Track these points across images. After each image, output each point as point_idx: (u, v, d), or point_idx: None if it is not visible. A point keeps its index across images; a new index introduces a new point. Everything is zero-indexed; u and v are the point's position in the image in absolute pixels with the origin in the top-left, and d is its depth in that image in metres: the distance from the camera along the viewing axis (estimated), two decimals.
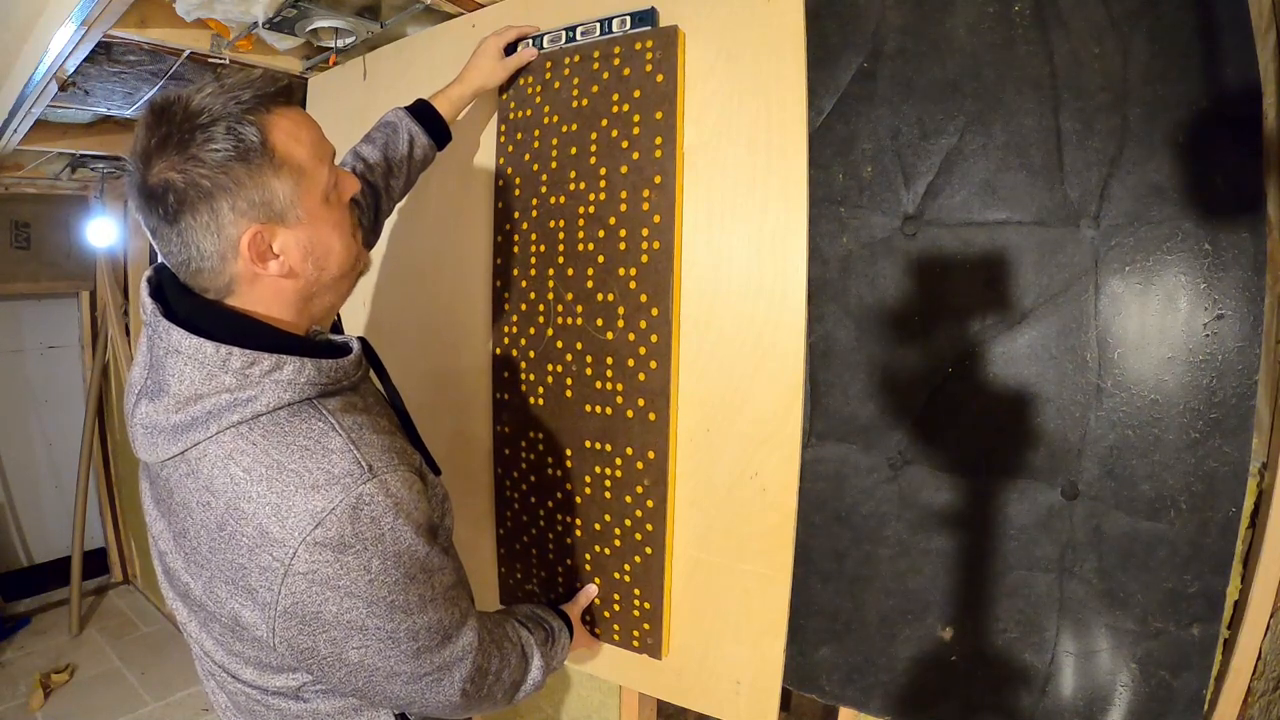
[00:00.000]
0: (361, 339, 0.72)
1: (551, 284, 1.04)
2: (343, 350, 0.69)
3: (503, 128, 1.09)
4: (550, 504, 1.07)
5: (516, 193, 1.08)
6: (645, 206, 0.94)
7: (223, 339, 0.60)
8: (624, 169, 0.96)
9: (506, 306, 1.10)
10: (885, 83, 0.87)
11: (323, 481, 0.58)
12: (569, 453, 1.04)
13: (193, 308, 0.63)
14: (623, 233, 0.96)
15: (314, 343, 0.68)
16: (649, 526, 0.97)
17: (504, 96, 1.09)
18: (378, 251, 1.35)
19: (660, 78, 0.92)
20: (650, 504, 0.96)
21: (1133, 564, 0.77)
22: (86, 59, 1.22)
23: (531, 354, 1.07)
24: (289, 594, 0.58)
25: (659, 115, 0.92)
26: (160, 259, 0.65)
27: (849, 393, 0.91)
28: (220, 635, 0.65)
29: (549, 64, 1.03)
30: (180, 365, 0.60)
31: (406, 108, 1.02)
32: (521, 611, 0.91)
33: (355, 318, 1.38)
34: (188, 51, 1.28)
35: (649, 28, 0.94)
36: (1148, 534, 0.76)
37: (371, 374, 0.75)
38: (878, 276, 0.88)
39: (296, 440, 0.60)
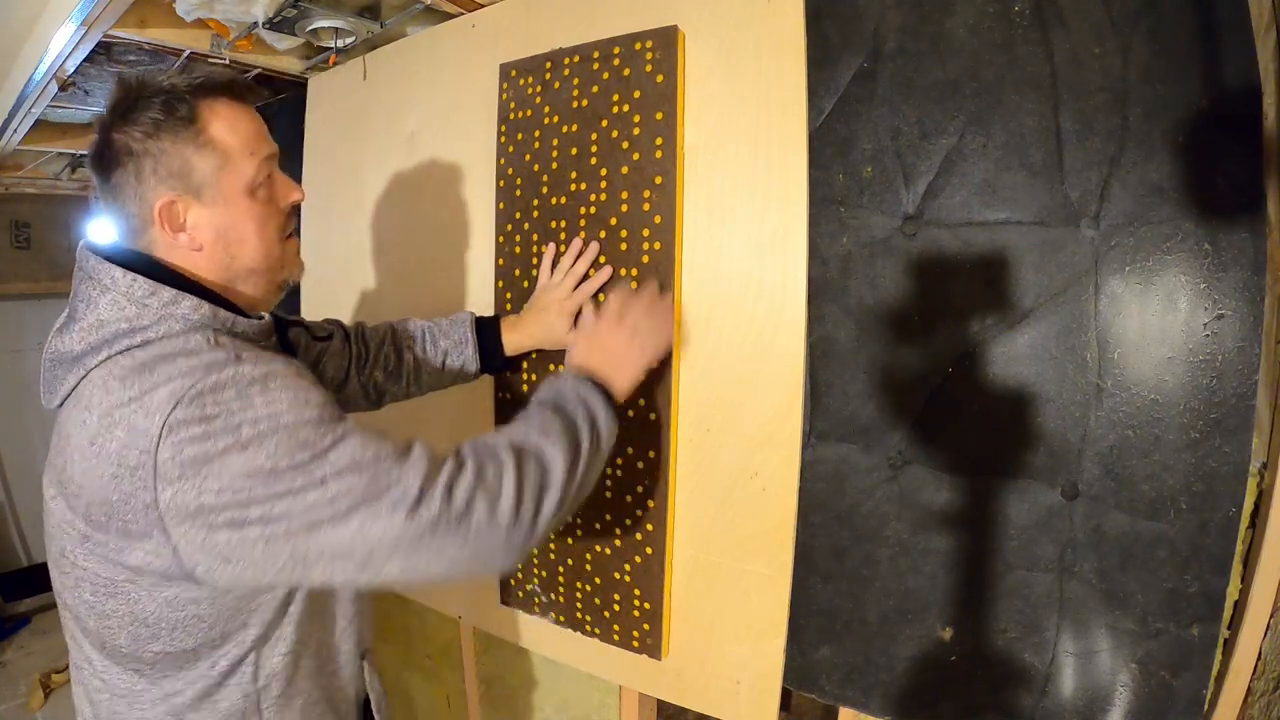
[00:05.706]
0: (288, 319, 0.75)
1: None
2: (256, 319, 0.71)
3: (503, 128, 1.09)
4: None
5: (517, 193, 1.08)
6: (646, 207, 0.94)
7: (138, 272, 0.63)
8: (624, 169, 0.96)
9: (508, 307, 1.10)
10: (885, 83, 0.87)
11: (186, 369, 0.57)
12: None
13: (119, 249, 0.67)
14: (624, 233, 0.96)
15: (223, 299, 0.69)
16: (649, 526, 0.97)
17: (504, 97, 1.09)
18: (379, 251, 1.35)
19: (660, 78, 0.92)
20: (650, 504, 0.96)
21: (1133, 564, 0.77)
22: (86, 59, 1.22)
23: (533, 354, 1.07)
24: (165, 484, 0.54)
25: (659, 115, 0.92)
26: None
27: (849, 393, 0.91)
28: (99, 593, 0.60)
29: (549, 64, 1.03)
30: (90, 291, 0.63)
31: (477, 326, 1.01)
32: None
33: (355, 319, 1.38)
34: (188, 51, 1.28)
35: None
36: (1148, 534, 0.76)
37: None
38: (878, 277, 0.88)
39: (176, 350, 0.60)
